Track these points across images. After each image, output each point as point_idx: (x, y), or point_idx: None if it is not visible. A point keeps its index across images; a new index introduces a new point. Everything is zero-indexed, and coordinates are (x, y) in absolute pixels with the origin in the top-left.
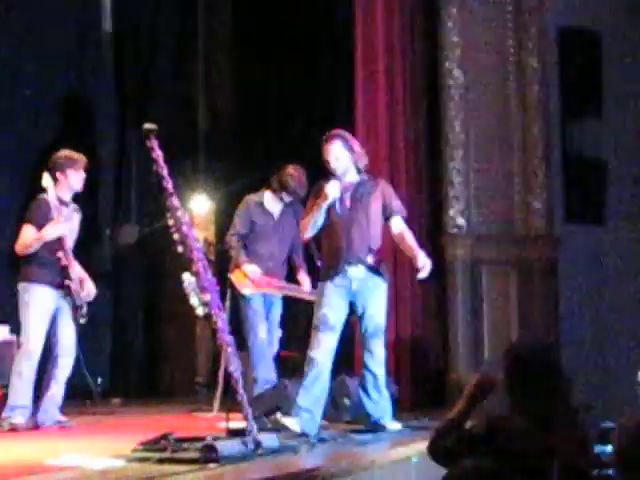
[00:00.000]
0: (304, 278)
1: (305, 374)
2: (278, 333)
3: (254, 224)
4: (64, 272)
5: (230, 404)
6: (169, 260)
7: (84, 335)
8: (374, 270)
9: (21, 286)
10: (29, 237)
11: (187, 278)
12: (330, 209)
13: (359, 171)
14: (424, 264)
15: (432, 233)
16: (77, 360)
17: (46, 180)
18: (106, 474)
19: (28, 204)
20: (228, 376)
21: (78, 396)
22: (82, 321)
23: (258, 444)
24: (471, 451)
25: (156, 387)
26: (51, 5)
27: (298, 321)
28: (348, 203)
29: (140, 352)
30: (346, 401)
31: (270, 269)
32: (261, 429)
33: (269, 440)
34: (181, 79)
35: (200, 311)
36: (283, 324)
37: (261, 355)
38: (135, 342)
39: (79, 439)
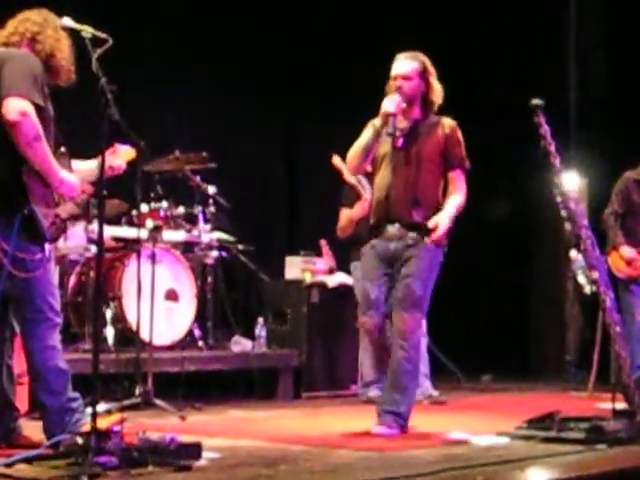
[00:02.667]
0: None
1: None
2: None
3: (632, 203)
4: None
5: (604, 384)
6: (539, 239)
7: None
8: (417, 228)
9: (352, 265)
10: (342, 220)
11: (574, 256)
12: (381, 144)
13: (427, 109)
14: (435, 225)
15: None
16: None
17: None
18: (492, 451)
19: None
20: (601, 355)
21: (449, 371)
22: None
23: None
24: None
25: (525, 364)
26: None
27: None
28: (400, 142)
29: (510, 329)
30: None
31: None
32: None
33: None
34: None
35: (587, 289)
36: None
37: (637, 339)
38: (505, 319)
39: (459, 415)
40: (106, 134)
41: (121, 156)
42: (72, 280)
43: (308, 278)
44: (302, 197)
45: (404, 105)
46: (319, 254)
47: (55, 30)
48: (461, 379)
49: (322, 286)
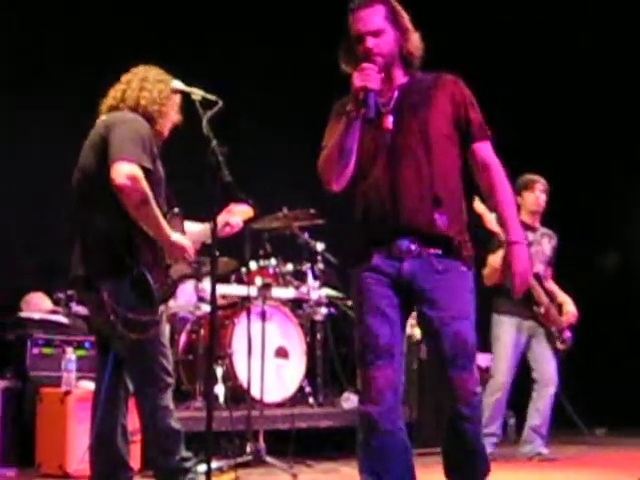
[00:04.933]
0: None
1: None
2: None
3: None
4: (532, 299)
5: None
6: None
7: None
8: (444, 242)
9: (493, 318)
10: (487, 267)
11: None
12: (364, 133)
13: (409, 68)
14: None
15: None
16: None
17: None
18: None
19: None
20: None
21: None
22: (560, 347)
23: None
24: None
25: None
26: None
27: None
28: (390, 121)
29: (625, 381)
30: None
31: None
32: None
33: None
34: None
35: None
36: None
37: None
38: (620, 370)
39: (572, 471)
40: (217, 196)
41: (237, 215)
42: (182, 338)
43: (418, 334)
44: None
45: (382, 74)
46: None
47: (155, 82)
48: (585, 433)
49: None
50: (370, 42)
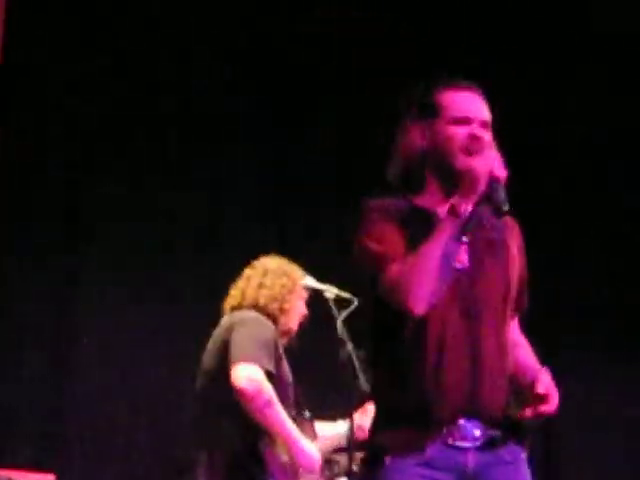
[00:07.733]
0: None
1: None
2: None
3: None
4: None
5: None
6: None
7: None
8: (512, 428)
9: None
10: None
11: None
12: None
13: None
14: (546, 390)
15: None
16: None
17: None
18: None
19: None
20: None
21: None
22: None
23: None
24: None
25: None
26: None
27: None
28: (464, 256)
29: None
30: None
31: None
32: None
33: None
34: None
35: None
36: None
37: None
38: None
39: None
40: (354, 405)
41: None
42: None
43: None
44: None
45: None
46: None
47: (275, 277)
48: None
49: None
50: (481, 131)
